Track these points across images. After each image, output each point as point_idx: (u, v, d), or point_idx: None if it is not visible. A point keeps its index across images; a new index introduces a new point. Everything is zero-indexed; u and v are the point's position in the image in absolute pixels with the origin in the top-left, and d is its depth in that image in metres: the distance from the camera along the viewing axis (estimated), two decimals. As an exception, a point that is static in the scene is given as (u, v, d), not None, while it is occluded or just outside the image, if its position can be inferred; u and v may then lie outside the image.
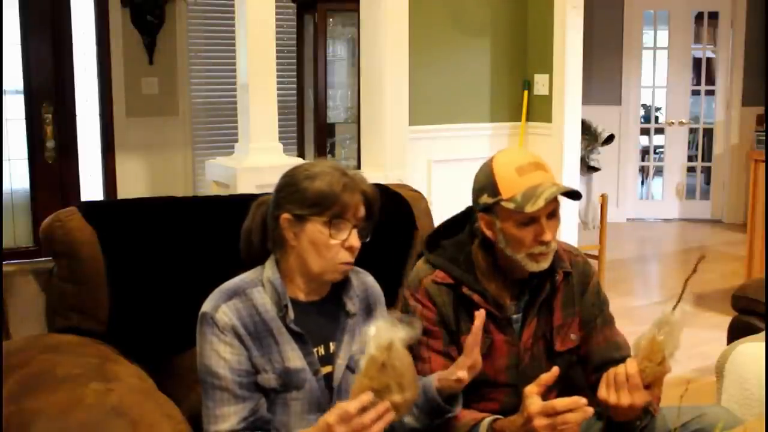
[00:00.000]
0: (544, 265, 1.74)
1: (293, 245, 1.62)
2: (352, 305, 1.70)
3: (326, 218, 1.59)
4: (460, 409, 1.68)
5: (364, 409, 1.37)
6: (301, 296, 1.66)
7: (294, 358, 1.60)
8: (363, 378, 1.39)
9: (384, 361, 1.37)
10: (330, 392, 1.64)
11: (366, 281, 1.77)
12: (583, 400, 1.51)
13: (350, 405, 1.38)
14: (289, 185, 1.63)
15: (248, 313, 1.59)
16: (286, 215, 1.61)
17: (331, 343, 1.67)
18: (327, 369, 1.65)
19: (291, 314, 1.61)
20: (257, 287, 1.63)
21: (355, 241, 1.62)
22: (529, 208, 1.64)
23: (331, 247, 1.60)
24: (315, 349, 1.64)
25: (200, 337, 1.60)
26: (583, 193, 5.39)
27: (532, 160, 1.71)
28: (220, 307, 1.58)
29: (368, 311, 1.74)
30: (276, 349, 1.60)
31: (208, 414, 1.57)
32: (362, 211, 1.63)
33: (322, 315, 1.68)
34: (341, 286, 1.70)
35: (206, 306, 1.60)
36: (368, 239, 1.66)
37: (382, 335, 1.38)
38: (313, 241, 1.60)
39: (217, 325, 1.57)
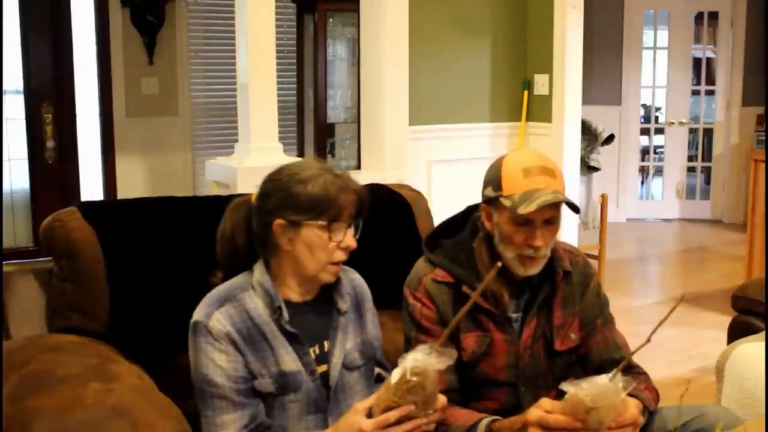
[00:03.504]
0: (532, 271, 1.74)
1: (287, 249, 1.61)
2: (344, 303, 1.70)
3: (323, 222, 1.58)
4: None
5: (399, 421, 1.42)
6: (294, 297, 1.65)
7: (289, 360, 1.60)
8: (393, 396, 1.42)
9: (415, 384, 1.41)
10: (327, 391, 1.64)
11: (353, 279, 1.77)
12: (579, 424, 1.51)
13: (391, 414, 1.41)
14: (280, 190, 1.60)
15: (241, 318, 1.58)
16: (279, 221, 1.59)
17: (325, 342, 1.67)
18: (322, 368, 1.65)
19: (285, 315, 1.60)
20: (248, 292, 1.62)
21: (351, 241, 1.62)
22: (522, 210, 1.65)
23: (328, 249, 1.59)
24: (311, 349, 1.64)
25: (194, 347, 1.58)
26: (583, 193, 5.40)
27: (541, 164, 1.71)
28: (213, 315, 1.57)
29: (357, 308, 1.74)
30: (270, 353, 1.59)
31: (208, 423, 1.56)
32: (354, 211, 1.63)
33: (315, 314, 1.67)
34: (331, 284, 1.69)
35: (198, 314, 1.59)
36: (358, 236, 1.65)
37: (418, 363, 1.41)
38: (310, 244, 1.59)
39: (211, 333, 1.55)
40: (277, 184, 1.62)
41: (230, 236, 1.68)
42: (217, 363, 1.55)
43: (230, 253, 1.68)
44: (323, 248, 1.59)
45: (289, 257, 1.62)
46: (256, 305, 1.60)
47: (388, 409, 1.43)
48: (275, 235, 1.60)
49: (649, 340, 1.44)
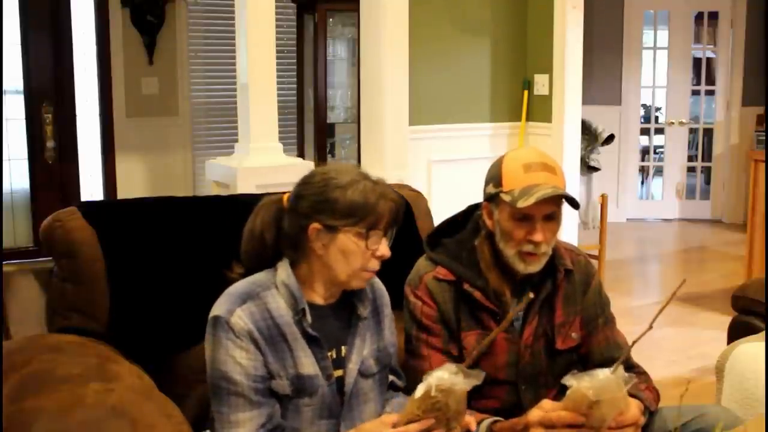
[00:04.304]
0: (532, 268, 1.74)
1: (320, 254, 1.59)
2: (364, 309, 1.68)
3: (361, 229, 1.56)
4: None
5: None
6: (318, 300, 1.64)
7: (307, 364, 1.58)
8: (417, 410, 1.45)
9: (439, 400, 1.43)
10: (341, 397, 1.63)
11: (374, 283, 1.75)
12: (582, 419, 1.51)
13: (411, 426, 1.43)
14: (317, 195, 1.58)
15: (262, 317, 1.56)
16: (316, 225, 1.57)
17: (343, 347, 1.65)
18: (338, 373, 1.63)
19: (308, 318, 1.58)
20: (270, 291, 1.59)
21: (386, 250, 1.60)
22: (521, 204, 1.66)
23: (363, 256, 1.58)
24: (329, 353, 1.62)
25: (213, 342, 1.55)
26: (583, 193, 5.40)
27: (542, 161, 1.72)
28: (235, 311, 1.54)
29: (376, 314, 1.73)
30: (289, 354, 1.57)
31: (222, 420, 1.55)
32: (390, 219, 1.61)
33: (335, 318, 1.66)
34: (353, 289, 1.68)
35: (219, 310, 1.56)
36: (390, 245, 1.64)
37: (444, 381, 1.43)
38: (345, 250, 1.57)
39: (233, 330, 1.53)
40: (313, 188, 1.59)
41: (259, 235, 1.64)
42: (237, 360, 1.53)
43: (257, 252, 1.65)
44: (359, 255, 1.57)
45: (320, 262, 1.59)
46: (279, 305, 1.58)
47: (411, 422, 1.45)
48: (310, 238, 1.58)
49: (651, 327, 1.45)
